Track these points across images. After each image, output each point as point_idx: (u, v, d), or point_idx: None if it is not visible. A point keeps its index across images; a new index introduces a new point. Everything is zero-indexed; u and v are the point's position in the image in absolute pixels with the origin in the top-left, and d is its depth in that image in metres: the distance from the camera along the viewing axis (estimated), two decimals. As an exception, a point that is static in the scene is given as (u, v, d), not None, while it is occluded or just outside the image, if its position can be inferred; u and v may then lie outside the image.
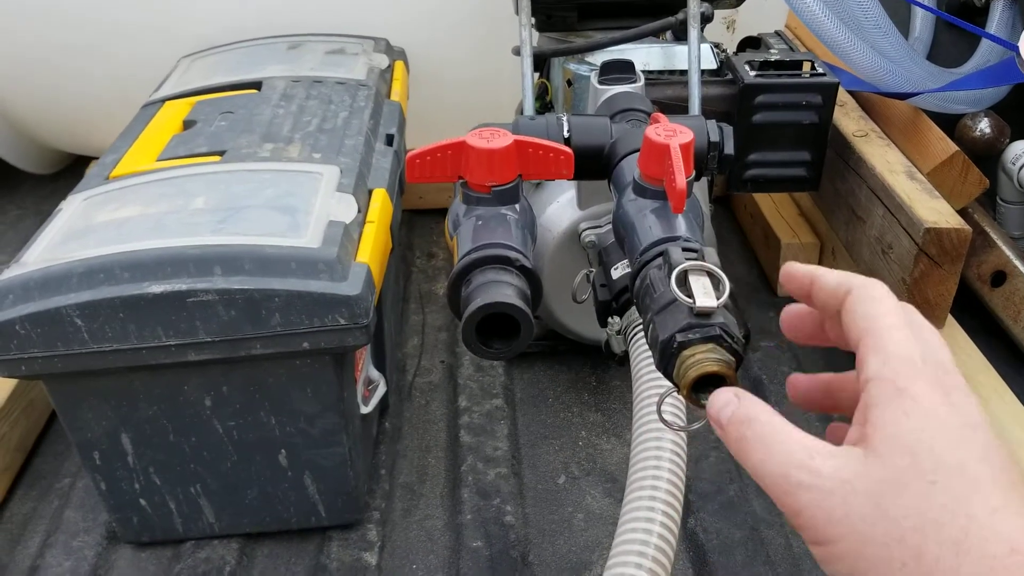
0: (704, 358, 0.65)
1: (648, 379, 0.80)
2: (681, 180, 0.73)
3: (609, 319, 0.93)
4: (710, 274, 0.68)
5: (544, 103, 1.26)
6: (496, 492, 0.99)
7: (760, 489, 1.02)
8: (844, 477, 0.37)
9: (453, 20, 1.42)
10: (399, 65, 1.29)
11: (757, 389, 1.15)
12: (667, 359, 0.66)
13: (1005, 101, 1.31)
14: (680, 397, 0.65)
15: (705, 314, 0.66)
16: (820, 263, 1.31)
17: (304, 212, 0.84)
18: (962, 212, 1.22)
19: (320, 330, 0.78)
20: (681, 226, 0.76)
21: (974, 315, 1.21)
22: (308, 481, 0.90)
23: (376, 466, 1.03)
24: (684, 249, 0.71)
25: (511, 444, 1.07)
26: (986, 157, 1.32)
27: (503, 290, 0.68)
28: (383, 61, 1.24)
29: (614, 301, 0.92)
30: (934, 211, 1.00)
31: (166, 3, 1.39)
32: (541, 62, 1.27)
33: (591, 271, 0.99)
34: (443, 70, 1.45)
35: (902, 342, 0.40)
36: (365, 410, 0.94)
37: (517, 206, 0.78)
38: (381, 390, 0.98)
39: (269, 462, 0.88)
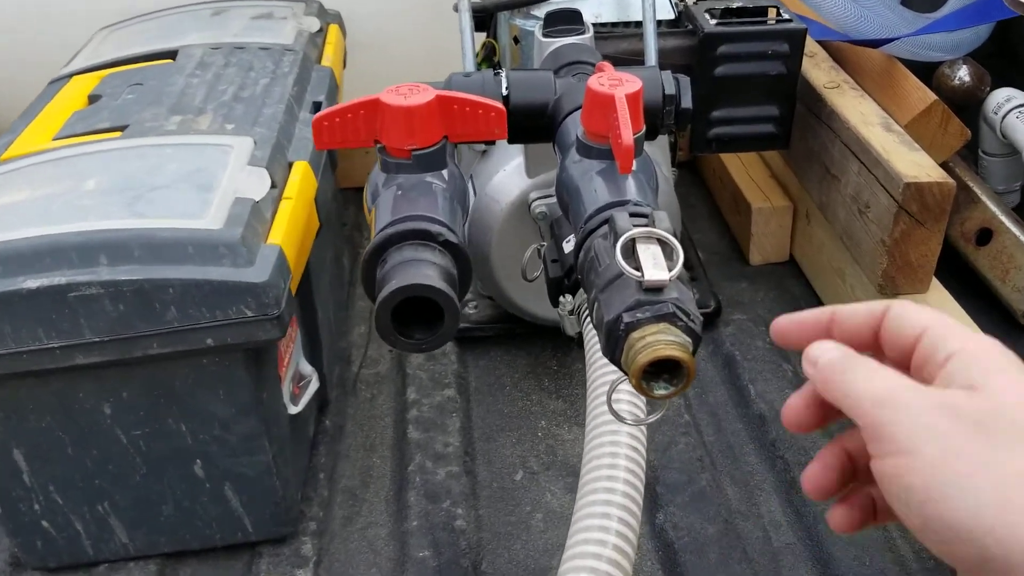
0: (655, 341, 0.55)
1: (601, 365, 0.71)
2: (628, 135, 0.63)
3: (561, 298, 0.83)
4: (661, 242, 0.59)
5: (492, 65, 1.17)
6: (446, 493, 0.90)
7: (735, 478, 0.93)
8: (948, 401, 0.37)
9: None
10: (333, 29, 1.19)
11: (730, 367, 1.06)
12: (614, 343, 0.57)
13: (984, 48, 1.22)
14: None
15: (656, 288, 0.57)
16: (794, 227, 1.22)
17: (207, 189, 0.74)
18: (943, 166, 1.14)
19: (224, 323, 0.69)
20: (630, 188, 0.66)
21: (959, 276, 1.12)
22: (230, 493, 0.80)
23: (314, 470, 0.94)
24: (633, 215, 0.62)
25: (464, 439, 0.98)
26: (965, 107, 1.24)
27: (423, 270, 0.58)
28: (314, 24, 1.14)
29: (566, 278, 0.83)
30: (914, 164, 0.91)
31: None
32: (487, 19, 1.18)
33: (542, 245, 0.90)
34: (385, 34, 1.35)
35: (970, 333, 0.40)
36: (294, 410, 0.85)
37: (445, 172, 0.68)
38: (313, 386, 0.88)
39: (184, 474, 0.78)
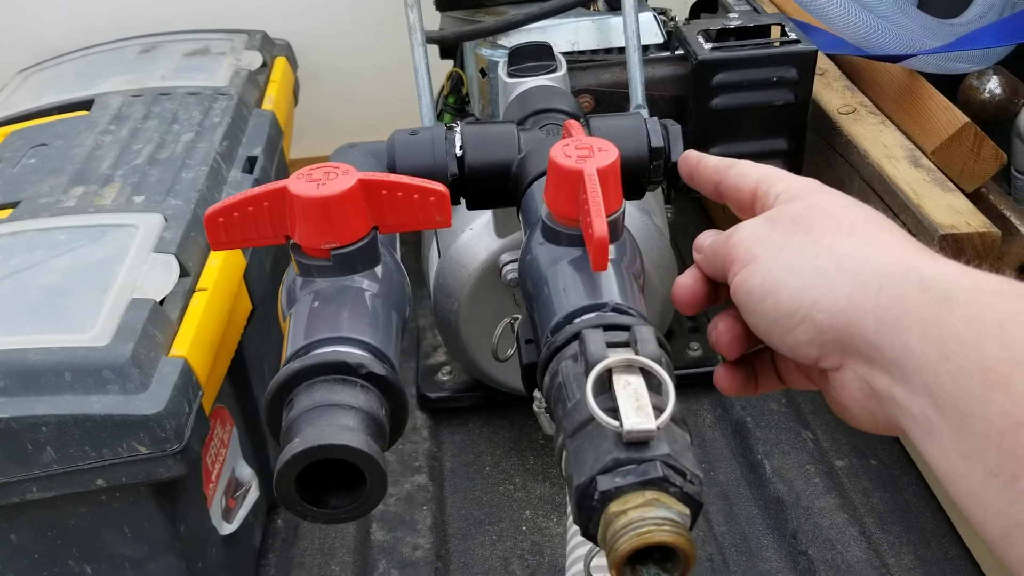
0: (641, 519, 0.42)
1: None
2: (601, 224, 0.50)
3: (536, 392, 0.70)
4: (646, 372, 0.46)
5: (460, 97, 1.03)
6: (414, 612, 0.77)
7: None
8: (772, 215, 0.45)
9: (349, 1, 1.19)
10: (280, 63, 1.06)
11: (741, 437, 0.93)
12: (587, 513, 0.43)
13: (1016, 54, 1.08)
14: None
15: (639, 442, 0.44)
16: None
17: (100, 289, 0.61)
18: (975, 193, 1.00)
19: (114, 463, 0.56)
20: (608, 286, 0.53)
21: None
22: (151, 640, 0.67)
23: (262, 585, 0.81)
24: (609, 328, 0.49)
25: (436, 538, 0.85)
26: (997, 123, 1.10)
27: (338, 419, 0.45)
28: (255, 60, 1.00)
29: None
30: (950, 210, 0.77)
31: (4, 5, 1.16)
32: (453, 48, 1.05)
33: (516, 319, 0.77)
34: (344, 61, 1.22)
35: (796, 176, 0.47)
36: (229, 529, 0.72)
37: (379, 269, 0.55)
38: (253, 495, 0.75)
39: (92, 622, 0.66)
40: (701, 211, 1.28)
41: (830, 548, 0.81)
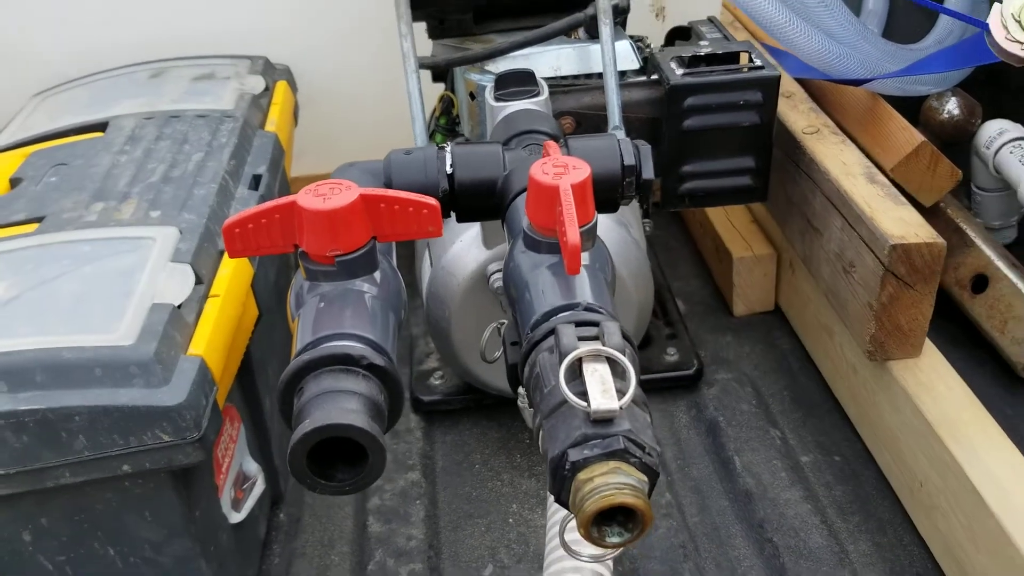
0: (604, 484, 0.49)
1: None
2: (574, 233, 0.57)
3: (520, 388, 0.76)
4: (612, 361, 0.53)
5: (451, 118, 1.10)
6: (408, 596, 0.83)
7: (721, 565, 0.85)
8: None
9: (345, 28, 1.26)
10: (281, 87, 1.12)
11: (714, 435, 0.99)
12: (560, 482, 0.50)
13: (974, 76, 1.16)
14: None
15: (604, 420, 0.50)
16: (779, 274, 1.16)
17: (123, 295, 0.68)
18: (933, 207, 1.07)
19: (139, 450, 0.62)
20: (582, 288, 0.59)
21: (956, 324, 1.06)
22: (166, 617, 0.73)
23: (267, 573, 0.87)
24: (581, 324, 0.56)
25: (428, 529, 0.91)
26: (956, 142, 1.17)
27: (343, 403, 0.52)
28: (258, 85, 1.07)
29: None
30: (900, 222, 0.84)
31: (15, 32, 1.22)
32: (444, 72, 1.11)
33: (502, 323, 0.83)
34: (341, 84, 1.29)
35: None
36: (237, 518, 0.78)
37: (376, 274, 0.61)
38: (259, 488, 0.81)
39: (114, 600, 0.72)
40: (680, 225, 1.35)
41: (793, 536, 0.87)
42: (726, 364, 1.10)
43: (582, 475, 0.48)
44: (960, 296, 1.06)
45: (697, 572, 0.84)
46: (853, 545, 0.86)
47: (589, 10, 0.93)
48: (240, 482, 0.81)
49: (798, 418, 1.01)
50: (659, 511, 0.90)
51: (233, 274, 0.75)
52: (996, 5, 0.58)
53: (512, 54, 0.96)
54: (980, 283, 1.04)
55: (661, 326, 1.11)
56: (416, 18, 0.99)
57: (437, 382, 1.06)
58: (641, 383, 0.52)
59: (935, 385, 0.85)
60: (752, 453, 0.97)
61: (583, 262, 0.60)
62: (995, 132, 1.12)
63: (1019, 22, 0.58)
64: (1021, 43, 0.58)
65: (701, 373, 1.06)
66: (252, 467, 0.83)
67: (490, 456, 1.00)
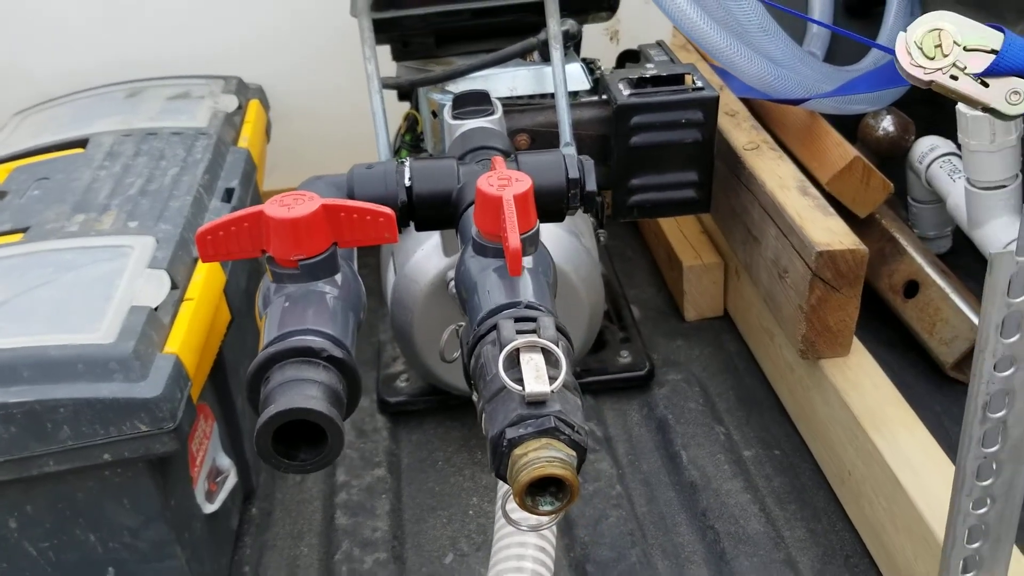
0: (536, 458, 0.55)
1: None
2: (515, 238, 0.63)
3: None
4: (546, 351, 0.59)
5: (416, 135, 1.16)
6: (372, 583, 0.89)
7: (666, 550, 0.91)
8: None
9: (315, 49, 1.32)
10: (253, 105, 1.18)
11: (663, 431, 1.06)
12: (498, 459, 0.56)
13: (909, 95, 1.23)
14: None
15: (538, 402, 0.56)
16: (727, 284, 1.22)
17: (104, 299, 0.73)
18: (869, 218, 1.15)
19: (119, 439, 0.67)
20: (524, 288, 0.65)
21: (890, 327, 1.13)
22: (143, 600, 0.78)
23: (239, 563, 0.92)
24: (520, 319, 0.62)
25: (393, 522, 0.96)
26: (892, 157, 1.25)
27: (305, 390, 0.57)
28: (231, 103, 1.13)
29: (479, 364, 0.82)
30: (827, 231, 0.91)
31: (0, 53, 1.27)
32: (409, 92, 1.18)
33: (460, 326, 0.89)
34: (311, 103, 1.35)
35: None
36: (210, 508, 0.83)
37: (337, 277, 0.67)
38: (231, 482, 0.87)
39: (95, 584, 0.77)
40: (635, 234, 1.42)
41: (734, 523, 0.93)
42: (676, 366, 1.16)
43: (517, 451, 0.54)
44: (893, 300, 1.13)
45: (644, 557, 0.90)
46: (789, 531, 0.92)
47: (541, 35, 1.00)
48: (213, 475, 0.86)
49: (742, 415, 1.07)
50: (609, 502, 0.96)
51: (206, 280, 0.81)
52: (901, 33, 0.65)
53: (471, 75, 1.02)
54: (912, 288, 1.11)
55: (616, 331, 1.18)
56: (380, 41, 1.05)
57: (403, 384, 1.11)
58: (574, 373, 0.58)
59: (862, 382, 0.92)
60: (698, 448, 1.03)
61: (526, 265, 0.66)
62: (927, 148, 1.19)
63: (921, 48, 0.64)
64: (923, 68, 0.65)
65: (652, 374, 1.12)
66: (225, 462, 0.88)
67: (453, 453, 1.06)
